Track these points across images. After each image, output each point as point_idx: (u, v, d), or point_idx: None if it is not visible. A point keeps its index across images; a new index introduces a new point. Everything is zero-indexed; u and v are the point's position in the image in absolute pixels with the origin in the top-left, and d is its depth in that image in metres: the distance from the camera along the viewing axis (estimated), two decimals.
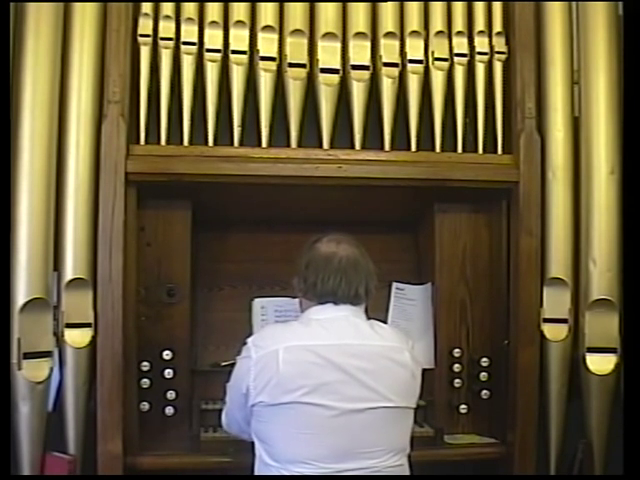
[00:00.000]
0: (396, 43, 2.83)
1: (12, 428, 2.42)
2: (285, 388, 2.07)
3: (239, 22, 2.77)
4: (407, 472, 2.20)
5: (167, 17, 2.73)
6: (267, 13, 2.78)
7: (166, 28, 2.73)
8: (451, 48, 2.88)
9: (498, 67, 2.90)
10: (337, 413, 2.07)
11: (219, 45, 2.75)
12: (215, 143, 2.76)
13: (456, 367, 2.93)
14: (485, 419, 2.94)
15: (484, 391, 2.91)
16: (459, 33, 2.89)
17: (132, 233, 2.69)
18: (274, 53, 2.77)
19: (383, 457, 2.11)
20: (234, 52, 2.76)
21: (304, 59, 2.78)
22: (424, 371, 2.33)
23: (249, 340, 2.20)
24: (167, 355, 2.75)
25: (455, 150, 2.89)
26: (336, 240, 2.26)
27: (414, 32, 2.85)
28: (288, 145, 2.79)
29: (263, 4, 2.78)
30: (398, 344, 2.21)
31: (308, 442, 2.07)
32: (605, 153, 2.83)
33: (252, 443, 2.23)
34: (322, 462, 2.07)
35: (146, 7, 2.73)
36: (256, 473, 2.21)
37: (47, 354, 2.50)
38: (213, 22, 2.75)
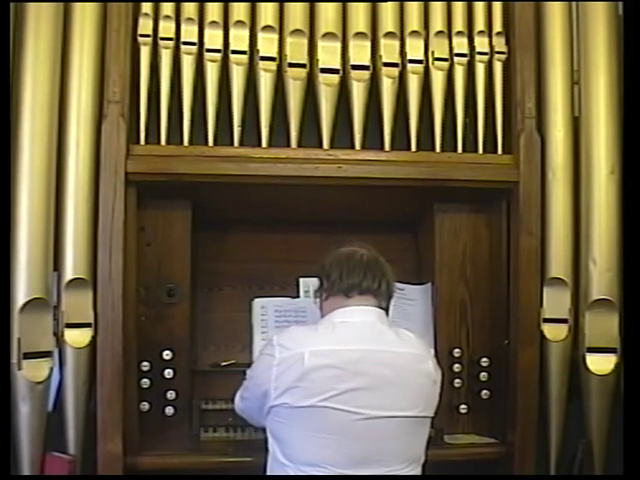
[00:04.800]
0: (396, 43, 2.84)
1: (12, 428, 2.42)
2: (309, 392, 2.06)
3: (239, 22, 2.77)
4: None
5: (167, 17, 2.73)
6: (267, 13, 2.78)
7: (166, 28, 2.73)
8: (451, 48, 2.88)
9: (498, 67, 2.90)
10: (359, 419, 2.06)
11: (219, 45, 2.75)
12: (215, 143, 2.76)
13: (456, 367, 2.93)
14: (485, 419, 2.94)
15: (484, 391, 2.91)
16: (459, 33, 2.89)
17: (132, 233, 2.69)
18: (274, 53, 2.77)
19: (398, 466, 2.11)
20: (234, 52, 2.76)
21: (304, 59, 2.79)
22: None
23: (274, 338, 2.19)
24: (167, 355, 2.75)
25: (455, 150, 2.89)
26: (356, 244, 2.31)
27: (414, 32, 2.85)
28: (288, 145, 2.79)
29: (263, 4, 2.79)
30: (422, 352, 2.22)
31: (326, 446, 2.07)
32: (605, 153, 2.84)
33: (265, 440, 2.22)
34: (338, 467, 2.06)
35: (146, 7, 2.73)
36: (269, 470, 2.20)
37: (47, 354, 2.50)
38: (213, 22, 2.75)
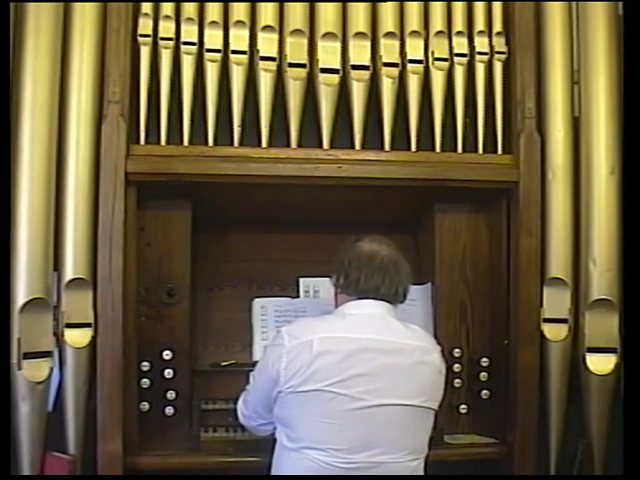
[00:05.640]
0: (396, 43, 2.84)
1: (12, 428, 2.42)
2: (316, 376, 2.10)
3: (239, 22, 2.77)
4: (420, 473, 2.22)
5: (167, 17, 2.73)
6: (267, 13, 2.78)
7: (166, 28, 2.73)
8: (451, 48, 2.88)
9: (498, 67, 2.90)
10: (362, 406, 2.10)
11: (219, 45, 2.75)
12: (215, 143, 2.76)
13: (456, 367, 2.93)
14: (485, 419, 2.94)
15: (484, 391, 2.91)
16: (459, 33, 2.89)
17: (132, 233, 2.69)
18: (274, 53, 2.77)
19: (399, 454, 2.13)
20: (234, 52, 2.76)
21: (304, 59, 2.79)
22: None
23: (282, 329, 2.22)
24: (167, 355, 2.75)
25: (455, 150, 2.89)
26: (377, 240, 2.31)
27: (414, 32, 2.85)
28: (288, 145, 2.79)
29: (263, 4, 2.78)
30: (428, 345, 2.26)
31: (329, 430, 2.10)
32: (605, 153, 2.83)
33: (267, 442, 2.25)
34: (339, 451, 2.09)
35: (146, 7, 2.73)
36: (275, 457, 2.24)
37: (47, 354, 2.50)
38: (213, 22, 2.75)
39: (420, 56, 2.85)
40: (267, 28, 2.77)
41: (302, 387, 2.11)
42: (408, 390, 2.15)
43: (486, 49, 2.90)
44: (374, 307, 2.24)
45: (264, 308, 2.85)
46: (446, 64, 2.87)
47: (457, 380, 2.92)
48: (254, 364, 2.34)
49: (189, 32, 2.74)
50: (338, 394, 2.09)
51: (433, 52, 2.87)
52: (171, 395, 2.73)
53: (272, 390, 2.17)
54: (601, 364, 2.78)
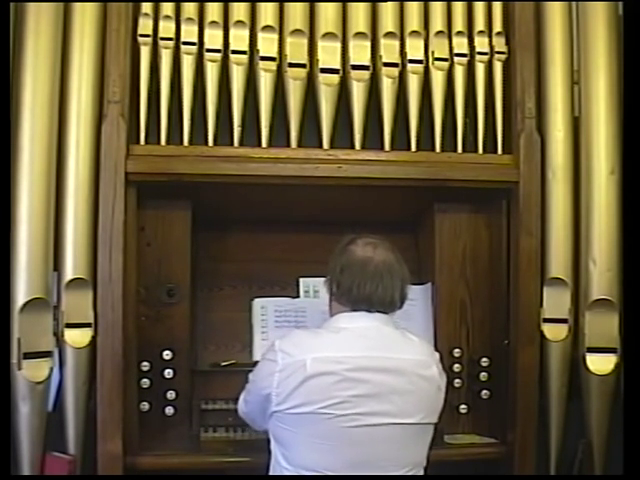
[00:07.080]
0: (396, 43, 2.84)
1: (12, 428, 2.42)
2: (311, 398, 2.04)
3: (239, 22, 2.77)
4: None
5: (167, 17, 2.73)
6: (267, 13, 2.78)
7: (166, 28, 2.73)
8: (451, 48, 2.88)
9: (498, 67, 2.90)
10: (359, 426, 2.05)
11: (219, 45, 2.75)
12: (215, 143, 2.76)
13: (456, 367, 2.93)
14: (485, 419, 2.94)
15: (484, 391, 2.91)
16: (459, 33, 2.89)
17: (132, 233, 2.69)
18: (274, 53, 2.77)
19: (399, 471, 2.10)
20: (234, 52, 2.76)
21: (304, 59, 2.79)
22: None
23: (276, 343, 2.15)
24: (167, 355, 2.75)
25: (455, 150, 2.89)
26: (372, 244, 2.21)
27: (414, 32, 2.85)
28: (288, 145, 2.79)
29: (263, 4, 2.79)
30: (427, 358, 2.19)
31: (327, 452, 2.06)
32: (605, 153, 2.84)
33: (267, 442, 2.22)
34: (337, 473, 2.05)
35: (146, 7, 2.73)
36: (271, 472, 2.20)
37: (47, 354, 2.50)
38: (213, 22, 2.75)
39: (420, 56, 2.85)
40: (267, 28, 2.77)
41: (297, 409, 2.05)
42: (407, 408, 2.09)
43: (486, 49, 2.90)
44: (368, 320, 2.16)
45: (264, 308, 2.84)
46: (446, 64, 2.87)
47: (457, 380, 2.91)
48: (254, 364, 2.32)
49: (189, 32, 2.74)
50: (335, 415, 2.03)
51: (433, 52, 2.87)
52: (171, 395, 2.73)
53: (265, 405, 2.13)
54: (601, 364, 2.78)
